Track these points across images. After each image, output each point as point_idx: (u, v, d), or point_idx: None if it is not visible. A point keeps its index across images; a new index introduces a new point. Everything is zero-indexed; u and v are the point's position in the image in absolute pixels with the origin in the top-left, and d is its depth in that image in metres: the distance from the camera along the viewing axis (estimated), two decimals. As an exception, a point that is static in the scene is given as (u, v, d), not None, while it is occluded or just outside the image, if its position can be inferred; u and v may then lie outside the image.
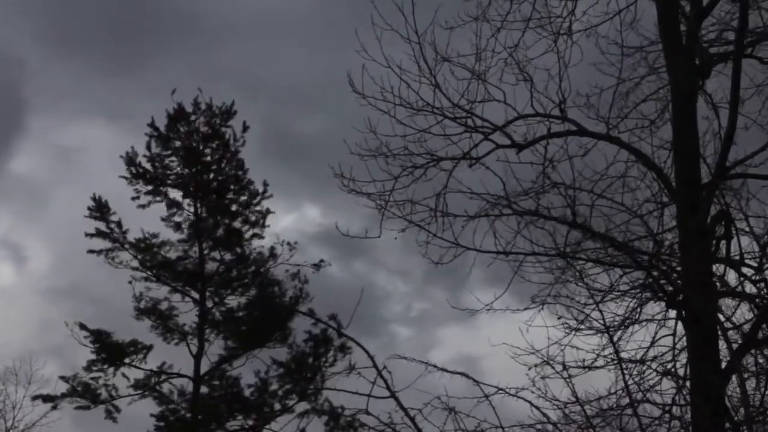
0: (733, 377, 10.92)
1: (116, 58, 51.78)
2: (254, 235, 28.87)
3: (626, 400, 10.73)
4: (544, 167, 11.09)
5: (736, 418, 10.64)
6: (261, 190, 29.14)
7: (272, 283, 28.44)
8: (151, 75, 51.12)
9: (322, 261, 28.74)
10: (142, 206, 28.55)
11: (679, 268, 10.97)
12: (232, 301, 28.45)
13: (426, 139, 11.12)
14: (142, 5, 51.20)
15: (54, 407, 27.64)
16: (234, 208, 28.90)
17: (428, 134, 11.12)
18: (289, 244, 28.63)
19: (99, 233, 28.00)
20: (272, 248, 28.70)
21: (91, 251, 28.03)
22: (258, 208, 28.98)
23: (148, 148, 28.59)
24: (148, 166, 28.62)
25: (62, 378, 27.42)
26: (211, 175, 29.00)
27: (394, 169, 11.09)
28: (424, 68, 10.98)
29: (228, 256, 28.59)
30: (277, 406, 27.59)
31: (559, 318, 11.42)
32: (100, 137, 48.88)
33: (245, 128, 29.26)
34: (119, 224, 28.16)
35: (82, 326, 27.49)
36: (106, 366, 27.49)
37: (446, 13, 11.11)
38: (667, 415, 10.84)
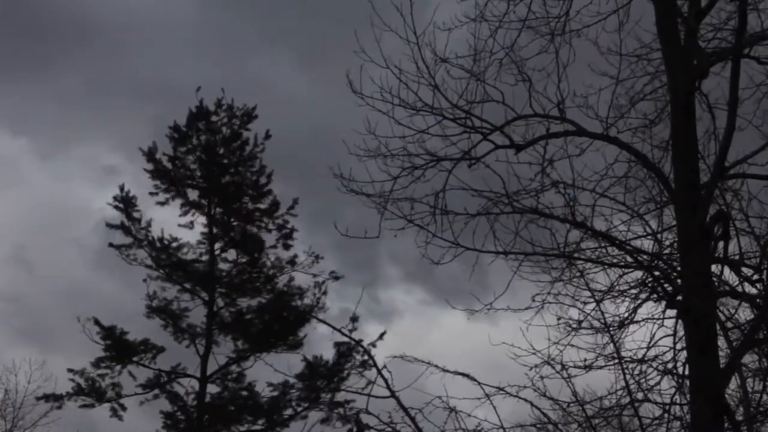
0: (734, 377, 10.92)
1: (11, 66, 52.26)
2: (278, 244, 28.90)
3: (627, 400, 10.78)
4: (543, 167, 11.10)
5: (736, 418, 10.63)
6: (290, 204, 29.04)
7: (291, 291, 28.39)
8: (51, 83, 51.64)
9: (332, 272, 28.77)
10: (161, 203, 28.61)
11: (679, 268, 10.97)
12: (243, 303, 28.43)
13: (425, 140, 11.16)
14: (33, 13, 51.74)
15: (59, 407, 27.69)
16: (253, 213, 28.83)
17: (427, 135, 11.16)
18: (316, 256, 28.69)
19: (121, 226, 28.02)
20: (295, 255, 28.71)
21: (111, 245, 28.10)
22: (278, 216, 28.94)
23: (174, 149, 28.54)
24: (168, 164, 28.56)
25: (70, 370, 27.45)
26: (228, 178, 28.90)
27: (393, 170, 11.13)
28: (423, 69, 11.02)
29: (242, 259, 28.57)
30: (289, 411, 27.63)
31: (558, 319, 11.44)
32: (7, 145, 49.59)
33: (267, 136, 29.19)
34: (140, 221, 28.17)
35: (96, 322, 27.54)
36: (113, 364, 27.54)
37: (443, 14, 11.16)
38: (667, 415, 10.86)
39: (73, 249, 47.14)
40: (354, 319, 24.84)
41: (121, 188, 28.23)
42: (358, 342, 9.76)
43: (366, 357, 26.45)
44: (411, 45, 11.02)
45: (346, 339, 27.14)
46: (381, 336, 27.11)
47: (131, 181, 44.95)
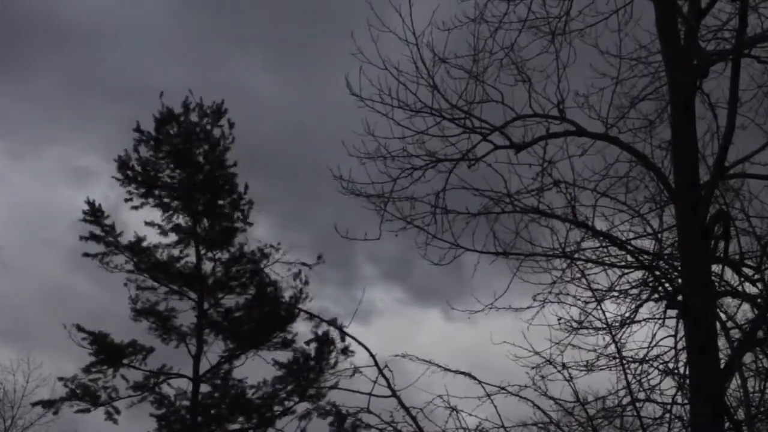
0: (735, 377, 10.90)
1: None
2: (238, 230, 29.04)
3: (628, 400, 10.78)
4: (543, 168, 11.09)
5: (736, 417, 10.62)
6: (242, 191, 29.33)
7: (269, 284, 28.51)
8: (24, 83, 52.23)
9: (320, 257, 28.86)
10: (136, 208, 28.86)
11: (679, 268, 10.96)
12: (230, 301, 28.64)
13: (424, 141, 11.14)
14: (5, 15, 52.19)
15: (55, 412, 27.71)
16: (226, 208, 28.99)
17: (427, 136, 11.14)
18: (272, 246, 28.75)
19: (93, 237, 28.11)
20: (261, 249, 28.82)
21: (86, 254, 28.20)
22: (241, 208, 29.13)
23: (136, 150, 28.82)
24: (139, 169, 28.79)
25: (61, 380, 27.50)
26: (203, 176, 29.05)
27: (393, 171, 11.11)
28: (422, 69, 10.99)
29: (221, 256, 28.76)
30: (279, 408, 27.69)
31: (559, 320, 11.44)
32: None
33: (231, 125, 29.53)
34: (113, 228, 28.27)
35: (80, 328, 27.58)
36: (105, 367, 27.55)
37: (443, 14, 11.15)
38: (668, 415, 10.86)
39: (49, 249, 47.79)
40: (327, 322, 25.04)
41: (88, 201, 28.51)
42: (360, 342, 9.75)
43: (347, 343, 26.69)
44: (410, 46, 11.03)
45: (316, 335, 27.53)
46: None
47: (107, 182, 45.78)
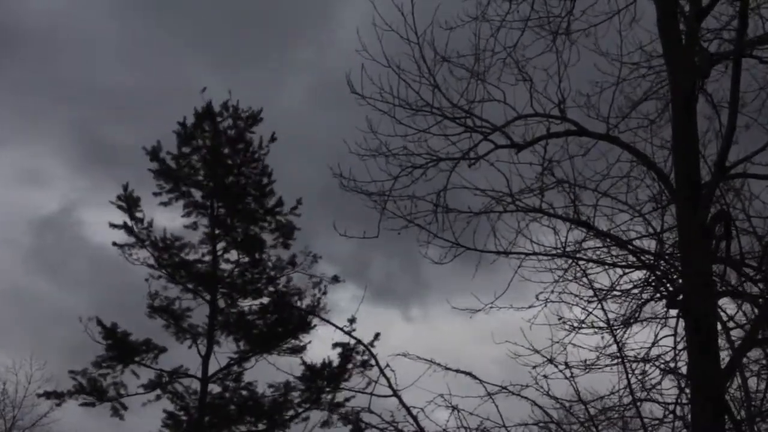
0: (736, 376, 10.90)
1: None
2: (277, 243, 28.94)
3: (629, 399, 10.79)
4: (544, 167, 11.09)
5: (737, 417, 10.62)
6: (293, 205, 29.26)
7: (287, 292, 28.47)
8: None
9: (335, 276, 28.84)
10: (164, 204, 28.76)
11: (680, 268, 10.95)
12: (245, 304, 28.53)
13: (425, 140, 11.14)
14: None
15: (59, 404, 27.73)
16: (255, 213, 28.90)
17: (428, 134, 11.14)
18: (314, 256, 28.71)
19: (124, 227, 28.03)
20: (293, 256, 28.78)
21: (114, 244, 28.15)
22: (280, 218, 29.02)
23: (179, 147, 28.73)
24: (172, 163, 28.72)
25: (71, 372, 27.46)
26: (232, 179, 28.98)
27: (394, 169, 11.11)
28: (424, 68, 11.00)
29: (244, 259, 28.64)
30: (290, 412, 27.65)
31: (559, 319, 11.44)
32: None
33: (273, 139, 29.38)
34: (142, 221, 28.22)
35: (99, 322, 27.56)
36: (115, 363, 27.54)
37: (445, 12, 11.14)
38: (671, 415, 10.86)
39: (5, 250, 47.58)
40: (352, 320, 25.04)
41: (125, 188, 28.30)
42: (362, 342, 9.81)
43: (366, 356, 26.61)
44: (411, 45, 11.03)
45: (345, 339, 27.42)
46: (376, 336, 27.24)
47: (63, 184, 46.07)
